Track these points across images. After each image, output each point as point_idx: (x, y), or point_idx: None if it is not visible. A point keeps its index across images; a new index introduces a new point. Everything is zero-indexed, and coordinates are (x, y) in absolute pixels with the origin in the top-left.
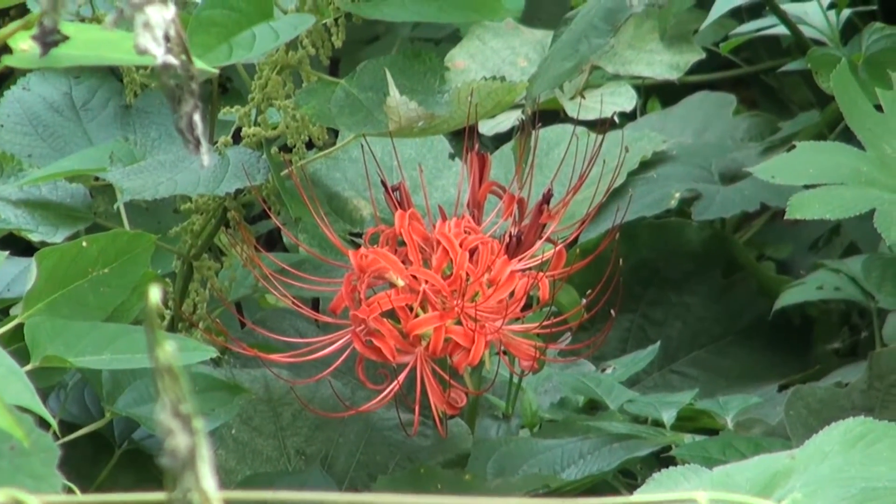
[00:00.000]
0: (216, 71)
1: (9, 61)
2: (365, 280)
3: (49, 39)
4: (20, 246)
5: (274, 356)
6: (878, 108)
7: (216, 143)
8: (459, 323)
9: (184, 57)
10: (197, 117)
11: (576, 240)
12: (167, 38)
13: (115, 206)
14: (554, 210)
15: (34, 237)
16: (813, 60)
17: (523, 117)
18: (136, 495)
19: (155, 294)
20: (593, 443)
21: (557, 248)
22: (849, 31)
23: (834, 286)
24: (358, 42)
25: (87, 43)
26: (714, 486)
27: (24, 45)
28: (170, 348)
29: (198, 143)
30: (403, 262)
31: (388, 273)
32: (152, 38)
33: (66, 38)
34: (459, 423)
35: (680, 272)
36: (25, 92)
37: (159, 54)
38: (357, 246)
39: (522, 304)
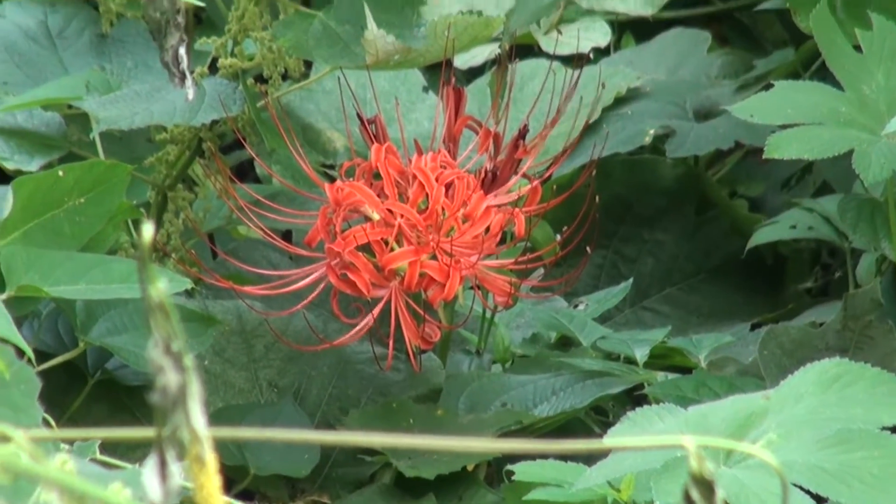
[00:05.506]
0: (201, 3)
1: None
2: (340, 213)
3: None
4: None
5: (247, 288)
6: (857, 48)
7: (192, 73)
8: (434, 257)
9: None
10: (182, 50)
11: (550, 175)
12: None
13: (90, 136)
14: (530, 145)
15: (9, 165)
16: None
17: (499, 51)
18: (123, 430)
19: (148, 231)
20: (566, 379)
21: (533, 184)
22: None
23: (807, 225)
24: None
25: None
26: (689, 426)
27: None
28: (162, 285)
29: (183, 77)
30: (379, 196)
31: (364, 206)
32: None
33: None
34: (432, 358)
35: (653, 209)
36: (1, 19)
37: None
38: (330, 178)
39: (498, 239)
